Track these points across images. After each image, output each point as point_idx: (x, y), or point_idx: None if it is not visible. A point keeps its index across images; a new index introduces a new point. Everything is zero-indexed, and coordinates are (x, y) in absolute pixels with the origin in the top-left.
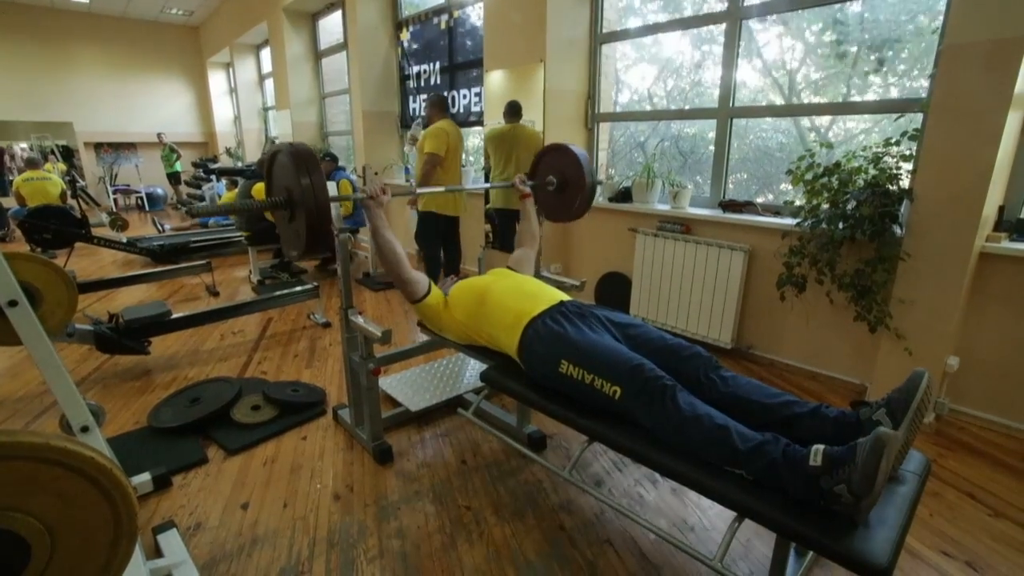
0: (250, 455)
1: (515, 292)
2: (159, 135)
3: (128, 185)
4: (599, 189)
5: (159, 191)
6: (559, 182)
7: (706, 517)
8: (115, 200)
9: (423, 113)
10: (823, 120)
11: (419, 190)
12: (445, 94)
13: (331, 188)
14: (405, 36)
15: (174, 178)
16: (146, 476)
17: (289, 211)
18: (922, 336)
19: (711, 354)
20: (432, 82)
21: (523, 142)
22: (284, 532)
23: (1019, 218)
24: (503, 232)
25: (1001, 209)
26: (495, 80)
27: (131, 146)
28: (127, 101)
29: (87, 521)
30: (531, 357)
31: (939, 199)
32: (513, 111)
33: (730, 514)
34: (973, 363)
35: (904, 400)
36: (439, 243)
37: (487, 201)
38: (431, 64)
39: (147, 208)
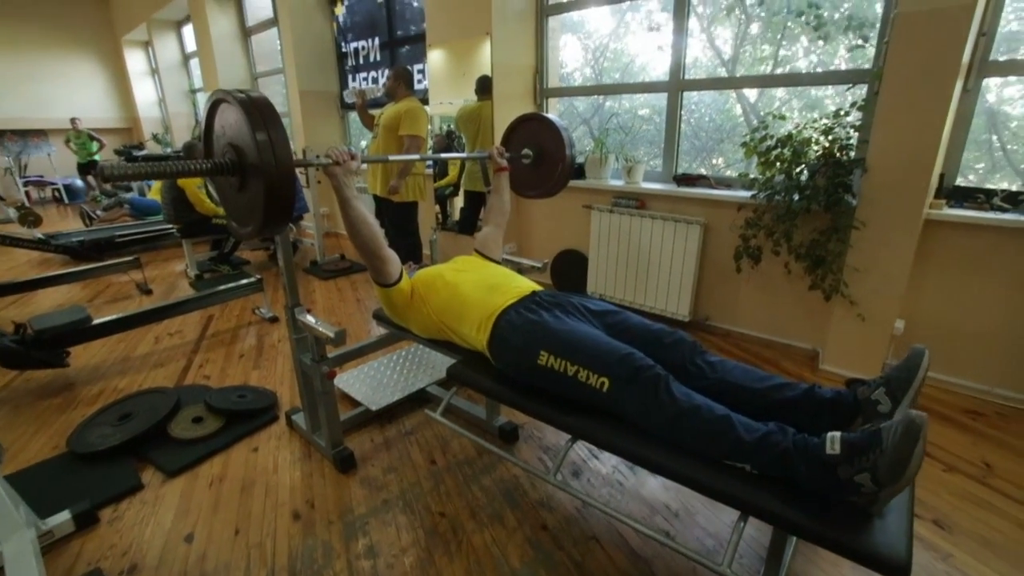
0: (193, 475)
1: (484, 285)
2: (73, 120)
3: (42, 176)
4: None
5: (79, 182)
6: (535, 155)
7: (687, 500)
8: (27, 193)
9: (384, 85)
10: (751, 93)
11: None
12: (409, 67)
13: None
14: (340, 11)
15: (91, 167)
16: (65, 515)
17: (239, 177)
18: (873, 302)
19: (695, 339)
20: (371, 59)
21: (487, 120)
22: (238, 564)
23: (956, 185)
24: (469, 215)
25: (941, 177)
26: (439, 56)
27: (41, 133)
28: (33, 84)
29: None
30: (505, 350)
31: (891, 168)
32: (483, 87)
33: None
34: (917, 325)
35: (905, 379)
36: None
37: (435, 180)
38: (369, 40)
39: (66, 201)
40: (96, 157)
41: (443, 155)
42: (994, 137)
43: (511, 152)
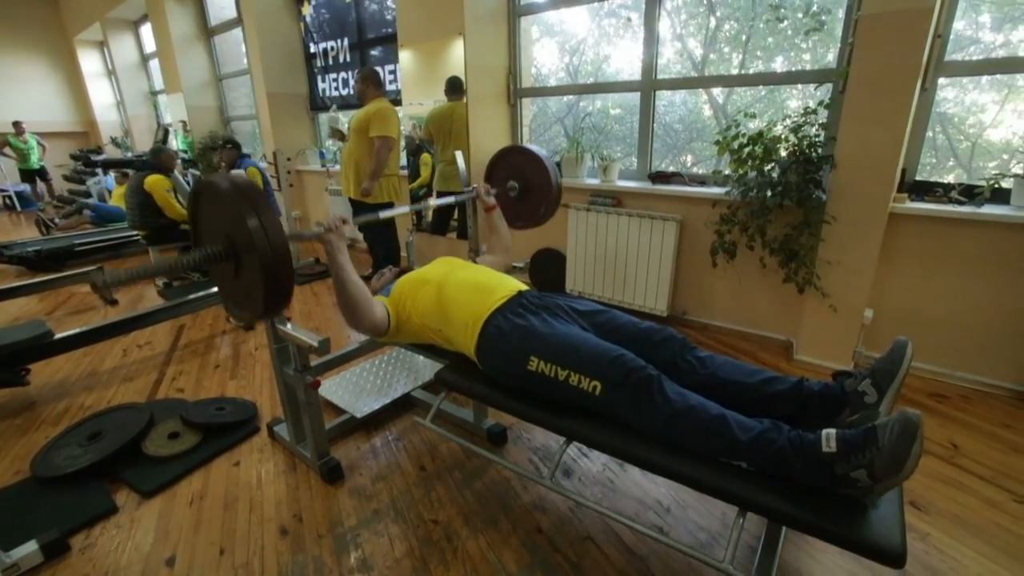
0: (171, 495)
1: (469, 286)
2: (16, 124)
3: None
4: None
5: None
6: (521, 187)
7: (678, 495)
8: None
9: (353, 88)
10: (719, 93)
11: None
12: (377, 68)
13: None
14: (307, 10)
15: (37, 175)
16: (31, 546)
17: (233, 264)
18: (844, 293)
19: (684, 335)
20: (341, 60)
21: (459, 121)
22: None
23: (916, 180)
24: (443, 217)
25: (903, 172)
26: (411, 56)
27: None
28: None
29: None
30: (493, 356)
31: (858, 164)
32: (453, 88)
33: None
34: (884, 313)
35: (890, 370)
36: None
37: (410, 181)
38: (338, 41)
39: (19, 208)
40: (43, 163)
41: (434, 202)
42: (939, 134)
43: (497, 187)
